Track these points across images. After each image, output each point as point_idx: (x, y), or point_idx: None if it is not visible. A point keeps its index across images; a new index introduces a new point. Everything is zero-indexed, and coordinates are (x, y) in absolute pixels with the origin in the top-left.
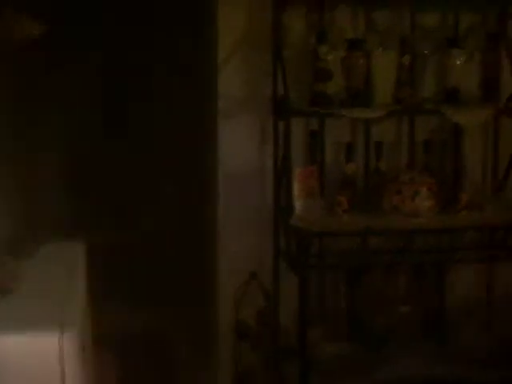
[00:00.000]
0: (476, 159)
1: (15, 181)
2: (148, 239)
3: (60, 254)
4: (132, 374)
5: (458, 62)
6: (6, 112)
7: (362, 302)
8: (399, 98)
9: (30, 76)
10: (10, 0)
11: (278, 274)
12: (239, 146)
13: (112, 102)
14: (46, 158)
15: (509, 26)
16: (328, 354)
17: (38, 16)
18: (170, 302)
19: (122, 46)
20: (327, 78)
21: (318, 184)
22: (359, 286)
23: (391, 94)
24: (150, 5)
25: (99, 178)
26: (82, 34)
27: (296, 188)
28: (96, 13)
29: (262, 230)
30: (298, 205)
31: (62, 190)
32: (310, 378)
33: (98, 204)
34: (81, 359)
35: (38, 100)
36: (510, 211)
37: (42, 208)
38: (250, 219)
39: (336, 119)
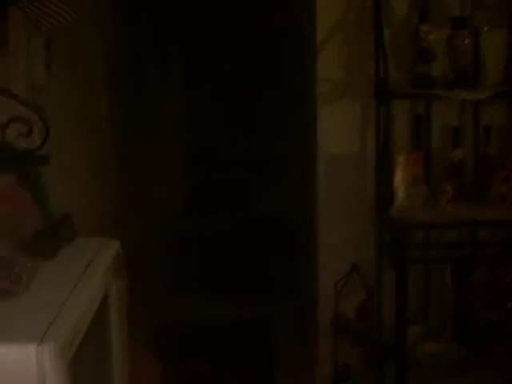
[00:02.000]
0: None
1: None
2: (246, 228)
3: (88, 253)
4: (228, 364)
5: None
6: None
7: (468, 298)
8: (509, 78)
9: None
10: None
11: (381, 266)
12: (339, 131)
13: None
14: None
15: None
16: (429, 352)
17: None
18: (270, 293)
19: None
20: (430, 58)
21: (423, 172)
22: (465, 281)
23: (501, 74)
24: None
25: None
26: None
27: (398, 176)
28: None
29: (364, 219)
30: (399, 193)
31: None
32: (408, 377)
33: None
34: (64, 373)
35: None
36: None
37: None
38: (350, 208)
39: (442, 102)
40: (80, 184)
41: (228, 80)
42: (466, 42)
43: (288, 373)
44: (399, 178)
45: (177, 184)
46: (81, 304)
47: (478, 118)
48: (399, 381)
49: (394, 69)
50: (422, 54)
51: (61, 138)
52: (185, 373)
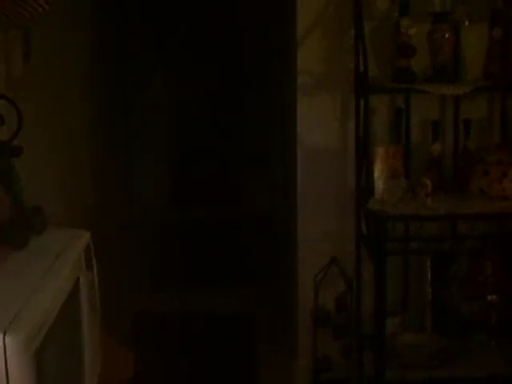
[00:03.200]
0: None
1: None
2: (225, 220)
3: (57, 244)
4: (208, 356)
5: None
6: None
7: (448, 290)
8: (490, 73)
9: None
10: None
11: (360, 258)
12: (319, 123)
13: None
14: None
15: None
16: (409, 343)
17: None
18: (249, 286)
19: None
20: (410, 53)
21: (402, 164)
22: (445, 273)
23: (481, 68)
24: None
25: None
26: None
27: (377, 168)
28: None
29: (343, 211)
30: (378, 186)
31: None
32: (388, 368)
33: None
34: (29, 364)
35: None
36: None
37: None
38: (330, 200)
39: (422, 96)
40: (57, 175)
41: (213, 75)
42: (447, 36)
43: (269, 365)
44: (378, 171)
45: (161, 178)
46: (48, 295)
47: (458, 112)
48: (378, 372)
49: (374, 62)
50: (402, 48)
51: (36, 129)
52: (161, 365)
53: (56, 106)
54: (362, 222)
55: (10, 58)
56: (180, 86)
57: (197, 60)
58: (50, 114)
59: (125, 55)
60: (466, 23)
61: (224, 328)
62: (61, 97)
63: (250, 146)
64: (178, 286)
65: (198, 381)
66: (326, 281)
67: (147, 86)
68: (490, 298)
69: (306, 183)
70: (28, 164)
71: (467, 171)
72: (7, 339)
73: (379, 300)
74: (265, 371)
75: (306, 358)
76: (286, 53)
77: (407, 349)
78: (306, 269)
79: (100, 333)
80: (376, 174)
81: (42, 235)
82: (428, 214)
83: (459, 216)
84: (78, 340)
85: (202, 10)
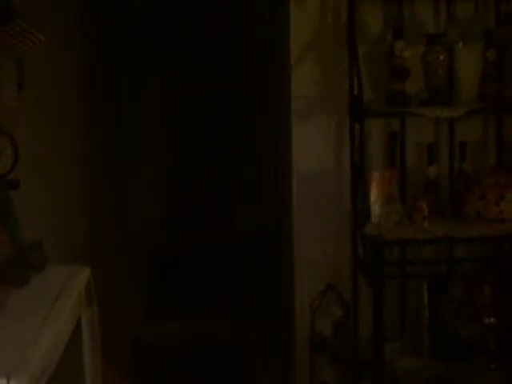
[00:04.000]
0: None
1: None
2: (220, 244)
3: (58, 281)
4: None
5: None
6: None
7: (446, 314)
8: (484, 94)
9: None
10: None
11: (357, 283)
12: (314, 147)
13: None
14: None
15: None
16: (407, 368)
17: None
18: (245, 311)
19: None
20: (405, 75)
21: (398, 189)
22: (442, 297)
23: (476, 90)
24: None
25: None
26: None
27: (373, 193)
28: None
29: (340, 236)
30: (375, 210)
31: None
32: None
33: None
34: None
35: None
36: None
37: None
38: (326, 225)
39: (417, 119)
40: (52, 207)
41: (206, 100)
42: (441, 58)
43: None
44: (375, 195)
45: (154, 201)
46: (51, 337)
47: (453, 135)
48: None
49: (368, 86)
50: (396, 71)
51: (31, 161)
52: None
53: (51, 134)
54: (358, 247)
55: (4, 88)
56: (174, 112)
57: (190, 86)
58: (45, 142)
59: (118, 82)
60: (460, 45)
61: (219, 355)
62: (55, 125)
63: (244, 169)
64: (171, 313)
65: None
66: (322, 306)
67: (141, 112)
68: (487, 321)
69: (301, 207)
70: (24, 195)
71: (464, 194)
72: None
73: (377, 325)
74: None
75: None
76: (280, 77)
77: (405, 374)
78: (302, 294)
79: (101, 367)
80: (372, 198)
81: (41, 272)
82: (425, 238)
83: (456, 239)
84: (82, 377)
85: (200, 30)
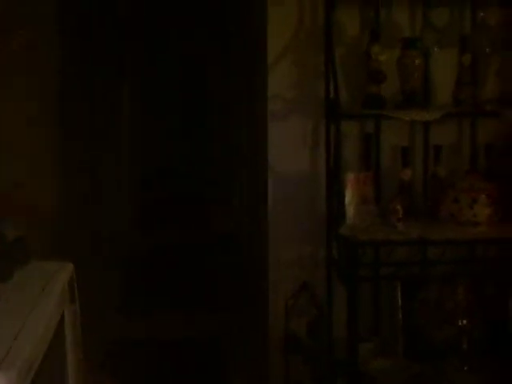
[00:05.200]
0: None
1: None
2: (196, 244)
3: (42, 276)
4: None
5: None
6: None
7: (419, 316)
8: (459, 99)
9: None
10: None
11: (331, 284)
12: (290, 148)
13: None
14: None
15: None
16: (381, 369)
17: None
18: (219, 311)
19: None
20: (381, 79)
21: (373, 190)
22: (416, 299)
23: (451, 95)
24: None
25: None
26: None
27: (348, 194)
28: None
29: (314, 237)
30: (349, 212)
31: None
32: None
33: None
34: None
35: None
36: None
37: None
38: (301, 226)
39: (393, 122)
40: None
41: (180, 99)
42: (417, 62)
43: None
44: (349, 197)
45: (127, 201)
46: (37, 330)
47: (428, 138)
48: None
49: (344, 88)
50: (372, 74)
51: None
52: None
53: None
54: (333, 248)
55: None
56: (149, 112)
57: (165, 85)
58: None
59: (92, 82)
60: (436, 49)
61: (192, 355)
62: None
63: (218, 170)
64: (144, 312)
65: None
66: (297, 306)
67: (115, 113)
68: (461, 323)
69: (277, 208)
70: None
71: (438, 197)
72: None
73: (352, 325)
74: None
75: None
76: (256, 78)
77: (380, 374)
78: (277, 294)
79: (82, 363)
80: (347, 199)
81: (25, 267)
82: (399, 240)
83: (430, 241)
84: (64, 371)
85: (173, 34)
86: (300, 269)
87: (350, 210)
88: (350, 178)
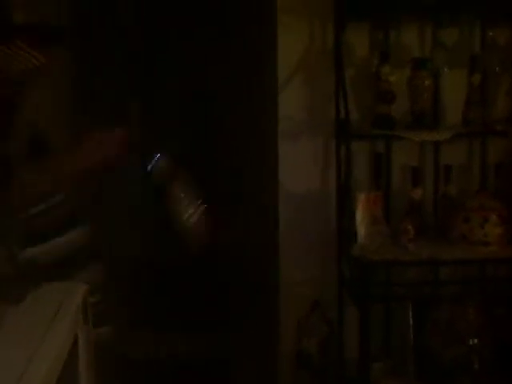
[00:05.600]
0: None
1: None
2: (208, 264)
3: (55, 298)
4: None
5: None
6: None
7: (430, 336)
8: (469, 119)
9: None
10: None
11: (343, 303)
12: (300, 169)
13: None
14: None
15: None
16: None
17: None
18: (230, 328)
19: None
20: (390, 99)
21: (383, 210)
22: (427, 319)
23: (461, 114)
24: (212, 28)
25: None
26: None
27: (359, 214)
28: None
29: (326, 256)
30: (360, 232)
31: None
32: None
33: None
34: None
35: None
36: None
37: None
38: (312, 245)
39: (403, 142)
40: None
41: (193, 119)
42: (426, 83)
43: None
44: (360, 217)
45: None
46: (51, 353)
47: (438, 158)
48: None
49: (354, 108)
50: (382, 94)
51: None
52: None
53: None
54: (344, 267)
55: None
56: (156, 130)
57: (177, 103)
58: None
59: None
60: (446, 70)
61: (202, 371)
62: None
63: (228, 189)
64: (157, 330)
65: None
66: (308, 325)
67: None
68: (471, 342)
69: (288, 227)
70: None
71: (448, 217)
72: None
73: (363, 345)
74: None
75: None
76: (267, 98)
77: None
78: (288, 312)
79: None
80: (358, 219)
81: (38, 289)
82: (411, 260)
83: (441, 262)
84: None
85: (181, 52)
86: (311, 288)
87: (361, 229)
88: (361, 197)
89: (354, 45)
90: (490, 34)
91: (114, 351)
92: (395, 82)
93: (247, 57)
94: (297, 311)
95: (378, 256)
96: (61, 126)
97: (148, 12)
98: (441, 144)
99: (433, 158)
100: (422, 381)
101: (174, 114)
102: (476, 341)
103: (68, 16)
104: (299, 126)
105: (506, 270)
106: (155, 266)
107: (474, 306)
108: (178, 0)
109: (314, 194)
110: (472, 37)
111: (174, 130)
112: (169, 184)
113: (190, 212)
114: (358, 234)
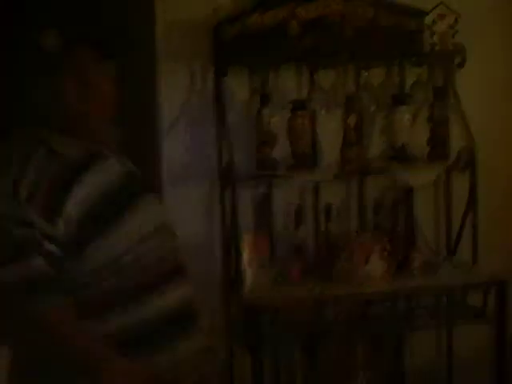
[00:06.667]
0: (429, 217)
1: None
2: None
3: None
4: None
5: (406, 119)
6: None
7: (319, 373)
8: (346, 158)
9: None
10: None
11: (232, 348)
12: (186, 213)
13: None
14: None
15: (455, 80)
16: None
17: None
18: None
19: None
20: (272, 141)
21: (268, 252)
22: (315, 357)
23: (338, 154)
24: None
25: None
26: None
27: (245, 257)
28: None
29: (213, 303)
30: (248, 274)
31: None
32: None
33: None
34: None
35: None
36: (466, 272)
37: None
38: (198, 290)
39: (284, 183)
40: None
41: None
42: (305, 124)
43: None
44: (246, 259)
45: None
46: None
47: (318, 198)
48: None
49: (238, 151)
50: (264, 137)
51: None
52: None
53: None
54: (232, 311)
55: None
56: None
57: None
58: None
59: None
60: (323, 111)
61: None
62: None
63: None
64: None
65: None
66: None
67: None
68: (361, 374)
69: None
70: None
71: (331, 255)
72: None
73: None
74: None
75: None
76: (152, 143)
77: None
78: None
79: None
80: (244, 262)
81: None
82: (298, 300)
83: (329, 299)
84: None
85: None
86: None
87: (249, 272)
88: (246, 240)
89: (234, 88)
90: (365, 74)
91: None
92: (276, 124)
93: (130, 101)
94: None
95: (267, 299)
96: None
97: None
98: (320, 184)
99: (313, 198)
100: None
101: None
102: (368, 372)
103: None
104: (184, 169)
105: (390, 305)
106: None
107: (361, 343)
108: None
109: (201, 238)
110: (347, 78)
111: None
112: None
113: None
114: (245, 276)
